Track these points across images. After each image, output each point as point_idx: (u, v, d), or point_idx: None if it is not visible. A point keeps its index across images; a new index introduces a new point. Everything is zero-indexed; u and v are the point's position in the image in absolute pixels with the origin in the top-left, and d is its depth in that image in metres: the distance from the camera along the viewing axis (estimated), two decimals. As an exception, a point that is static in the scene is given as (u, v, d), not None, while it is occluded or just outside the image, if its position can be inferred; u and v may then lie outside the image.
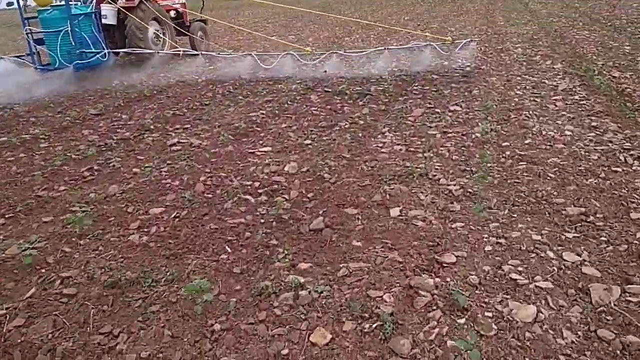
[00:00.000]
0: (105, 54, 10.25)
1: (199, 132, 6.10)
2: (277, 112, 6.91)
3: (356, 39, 14.59)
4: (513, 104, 6.66)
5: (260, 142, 5.60)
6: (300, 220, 3.74)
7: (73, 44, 9.96)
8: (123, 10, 10.72)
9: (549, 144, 5.04)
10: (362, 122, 6.10)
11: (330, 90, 7.93)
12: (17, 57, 10.94)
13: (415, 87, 7.82)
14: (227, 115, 6.96)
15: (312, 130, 5.89)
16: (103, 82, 9.92)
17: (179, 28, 12.40)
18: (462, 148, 5.11)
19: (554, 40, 11.87)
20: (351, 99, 7.34)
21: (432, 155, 4.93)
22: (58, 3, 10.36)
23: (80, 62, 10.04)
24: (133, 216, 3.95)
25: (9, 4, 12.62)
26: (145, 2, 11.06)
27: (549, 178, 4.24)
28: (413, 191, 4.16)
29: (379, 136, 5.58)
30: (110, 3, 10.79)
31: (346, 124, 6.08)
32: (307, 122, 6.33)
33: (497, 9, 21.32)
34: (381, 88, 7.82)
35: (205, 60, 10.79)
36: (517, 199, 3.87)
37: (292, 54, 9.54)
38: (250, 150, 5.33)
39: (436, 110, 6.54)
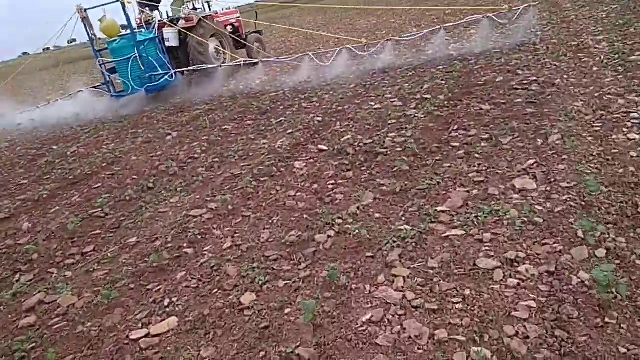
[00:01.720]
0: (172, 74, 10.03)
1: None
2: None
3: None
4: (632, 171, 3.35)
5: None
6: None
7: (142, 69, 9.74)
8: (184, 31, 10.35)
9: None
10: (354, 232, 3.27)
11: (327, 149, 5.09)
12: (95, 87, 11.07)
13: (455, 134, 4.73)
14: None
15: (260, 265, 3.16)
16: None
17: (237, 39, 11.97)
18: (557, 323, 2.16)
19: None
20: (352, 164, 4.58)
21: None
22: (124, 33, 10.05)
23: (150, 85, 9.88)
24: None
25: (70, 41, 12.75)
26: (203, 20, 10.69)
27: None
28: None
29: (375, 291, 2.66)
30: (171, 26, 10.43)
31: (326, 242, 3.25)
32: (266, 230, 3.60)
33: None
34: (401, 139, 4.85)
35: (265, 67, 10.28)
36: None
37: (347, 47, 8.95)
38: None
39: (490, 191, 3.46)
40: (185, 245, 3.64)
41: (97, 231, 4.24)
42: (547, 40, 7.93)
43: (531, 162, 3.81)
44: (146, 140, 7.14)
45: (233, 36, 11.97)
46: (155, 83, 9.98)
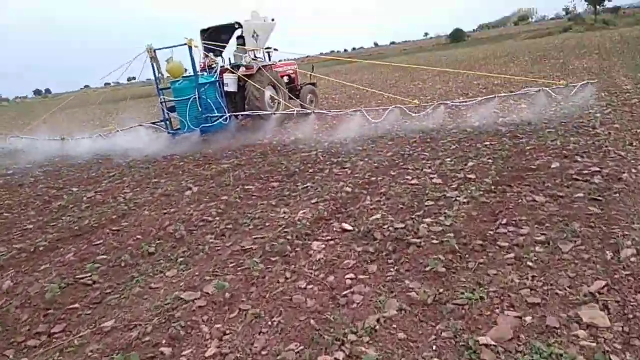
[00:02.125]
0: (226, 117, 10.50)
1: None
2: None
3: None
4: None
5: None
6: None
7: (199, 109, 10.17)
8: (243, 77, 10.86)
9: None
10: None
11: (352, 229, 4.50)
12: (153, 123, 11.48)
13: (503, 229, 4.02)
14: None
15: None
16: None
17: (291, 91, 12.30)
18: None
19: None
20: (377, 253, 3.90)
21: None
22: (188, 74, 10.56)
23: (205, 125, 10.30)
24: None
25: (130, 78, 14.33)
26: (262, 69, 11.17)
27: None
28: None
29: None
30: (232, 72, 10.92)
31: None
32: (262, 335, 2.93)
33: (613, 65, 14.82)
34: (438, 228, 4.16)
35: (317, 118, 10.31)
36: None
37: (399, 107, 8.96)
38: None
39: (548, 321, 2.72)
40: (164, 341, 3.01)
41: (76, 305, 3.67)
42: (608, 124, 7.18)
43: (600, 284, 3.02)
44: (165, 192, 6.71)
45: (289, 87, 12.37)
46: (210, 124, 10.40)
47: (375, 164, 6.70)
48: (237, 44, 12.18)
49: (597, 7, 69.64)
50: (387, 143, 8.01)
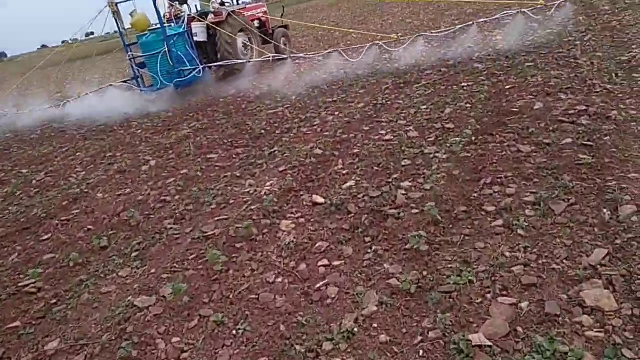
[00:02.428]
0: (200, 69, 9.75)
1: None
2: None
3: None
4: None
5: None
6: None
7: (171, 63, 9.52)
8: (212, 25, 10.07)
9: None
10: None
11: (323, 201, 4.30)
12: (124, 82, 10.71)
13: (488, 190, 3.73)
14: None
15: None
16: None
17: (263, 36, 11.57)
18: None
19: None
20: (352, 229, 3.53)
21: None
22: (154, 26, 9.89)
23: (179, 79, 9.65)
24: None
25: (88, 34, 13.11)
26: (232, 15, 10.44)
27: None
28: None
29: None
30: (200, 20, 10.22)
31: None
32: (225, 349, 2.54)
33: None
34: (418, 194, 3.90)
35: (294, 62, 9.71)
36: None
37: (377, 44, 8.63)
38: None
39: (547, 308, 2.40)
40: (114, 365, 2.60)
41: (16, 323, 3.22)
42: (590, 53, 6.72)
43: (601, 253, 2.68)
44: (120, 169, 6.14)
45: (260, 31, 11.65)
46: (183, 78, 9.73)
47: (346, 118, 6.19)
48: None
49: None
50: (358, 92, 7.45)
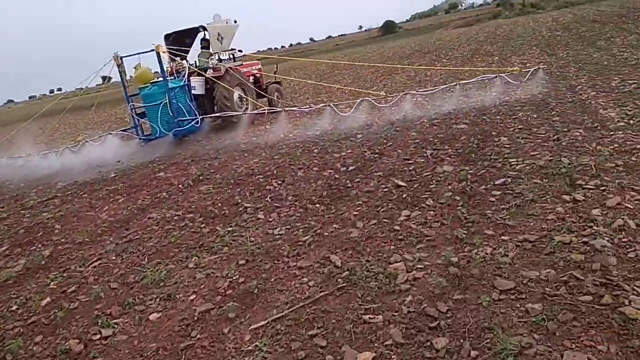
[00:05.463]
0: (198, 120, 10.39)
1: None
2: None
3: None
4: None
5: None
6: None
7: (171, 114, 10.07)
8: (212, 79, 10.84)
9: None
10: None
11: None
12: (123, 130, 11.33)
13: None
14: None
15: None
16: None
17: (258, 90, 12.44)
18: None
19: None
20: None
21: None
22: (157, 79, 10.54)
23: (178, 129, 10.21)
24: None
25: (105, 78, 14.25)
26: (230, 71, 11.22)
27: None
28: None
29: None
30: (200, 75, 10.97)
31: None
32: None
33: (566, 65, 10.95)
34: None
35: (288, 114, 10.25)
36: None
37: (367, 100, 9.08)
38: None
39: None
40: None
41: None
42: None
43: None
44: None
45: (254, 86, 12.42)
46: (182, 128, 10.32)
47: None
48: (202, 47, 12.18)
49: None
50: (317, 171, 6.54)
